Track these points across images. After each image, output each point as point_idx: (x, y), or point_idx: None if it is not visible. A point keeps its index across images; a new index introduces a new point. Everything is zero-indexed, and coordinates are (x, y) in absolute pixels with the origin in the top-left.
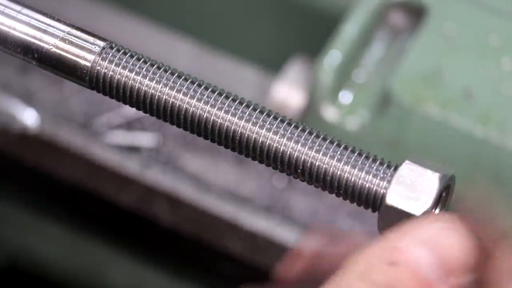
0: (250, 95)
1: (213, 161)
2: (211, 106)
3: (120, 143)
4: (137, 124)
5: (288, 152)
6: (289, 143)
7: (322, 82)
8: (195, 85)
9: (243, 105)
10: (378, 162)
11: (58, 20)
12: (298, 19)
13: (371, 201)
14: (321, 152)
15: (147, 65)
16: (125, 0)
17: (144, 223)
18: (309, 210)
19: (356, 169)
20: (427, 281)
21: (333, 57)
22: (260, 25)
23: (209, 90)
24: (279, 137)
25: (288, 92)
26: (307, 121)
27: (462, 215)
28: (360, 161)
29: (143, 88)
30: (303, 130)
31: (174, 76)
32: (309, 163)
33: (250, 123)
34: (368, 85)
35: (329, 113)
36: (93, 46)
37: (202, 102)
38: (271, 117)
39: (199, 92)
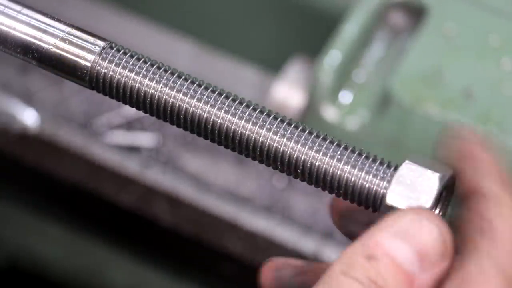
0: (250, 95)
1: (213, 161)
2: (211, 106)
3: (120, 143)
4: (137, 124)
5: (288, 152)
6: (289, 143)
7: (322, 82)
8: (195, 85)
9: (243, 105)
10: (378, 162)
11: (58, 20)
12: (298, 19)
13: (371, 201)
14: (321, 152)
15: (147, 65)
16: (125, 0)
17: (144, 223)
18: (309, 210)
19: (356, 169)
20: (407, 273)
21: (333, 57)
22: (260, 25)
23: (209, 90)
24: (279, 137)
25: (288, 92)
26: (307, 121)
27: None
28: (360, 161)
29: (143, 88)
30: (303, 130)
31: (174, 76)
32: (309, 163)
33: (250, 123)
34: (368, 85)
35: (329, 113)
36: (93, 46)
37: (202, 102)
38: (271, 117)
39: (199, 92)
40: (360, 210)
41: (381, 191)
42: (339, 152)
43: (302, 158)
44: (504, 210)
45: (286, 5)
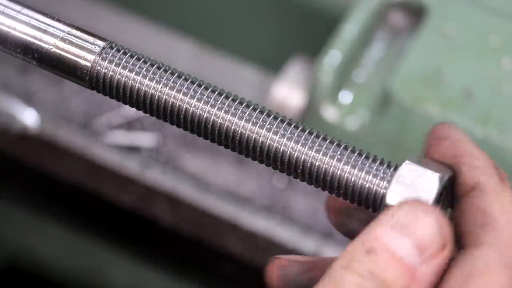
0: (250, 95)
1: (213, 161)
2: (211, 106)
3: (120, 143)
4: (137, 124)
5: (288, 152)
6: (289, 143)
7: (322, 82)
8: (195, 85)
9: (243, 105)
10: (378, 162)
11: (58, 20)
12: (298, 19)
13: (371, 201)
14: (321, 152)
15: (147, 65)
16: (125, 0)
17: (144, 223)
18: (309, 210)
19: (356, 169)
20: (408, 265)
21: (333, 57)
22: (260, 25)
23: (209, 90)
24: (279, 137)
25: (288, 92)
26: (307, 121)
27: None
28: (360, 161)
29: (143, 88)
30: (303, 130)
31: (174, 76)
32: (309, 163)
33: (250, 123)
34: (368, 85)
35: (329, 113)
36: (93, 46)
37: (202, 102)
38: (271, 117)
39: (199, 92)
40: (357, 208)
41: (381, 191)
42: (339, 152)
43: (302, 158)
44: (504, 204)
45: (286, 5)
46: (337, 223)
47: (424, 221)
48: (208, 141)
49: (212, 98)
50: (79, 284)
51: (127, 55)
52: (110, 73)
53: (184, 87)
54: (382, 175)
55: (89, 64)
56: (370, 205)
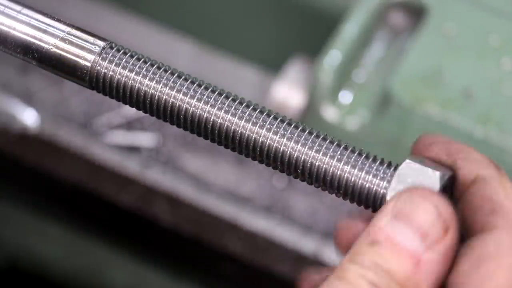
0: (250, 95)
1: (213, 161)
2: (211, 106)
3: (120, 143)
4: (137, 124)
5: (288, 152)
6: (289, 143)
7: (322, 82)
8: (195, 85)
9: (243, 105)
10: (378, 162)
11: (58, 20)
12: (298, 19)
13: (371, 201)
14: (321, 152)
15: (147, 65)
16: (125, 0)
17: (144, 223)
18: (309, 210)
19: (356, 169)
20: (411, 253)
21: (333, 57)
22: (260, 25)
23: (209, 90)
24: (279, 137)
25: (288, 92)
26: (307, 121)
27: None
28: (360, 161)
29: (143, 88)
30: (303, 130)
31: (174, 76)
32: (309, 163)
33: (250, 123)
34: (368, 85)
35: (329, 113)
36: (93, 46)
37: (202, 102)
38: (271, 117)
39: (199, 92)
40: None
41: (381, 191)
42: (339, 152)
43: (302, 158)
44: (508, 191)
45: (286, 5)
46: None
47: (422, 207)
48: (208, 141)
49: (212, 98)
50: (79, 284)
51: (127, 55)
52: (110, 73)
53: (184, 87)
54: (382, 175)
55: (89, 64)
56: (370, 205)
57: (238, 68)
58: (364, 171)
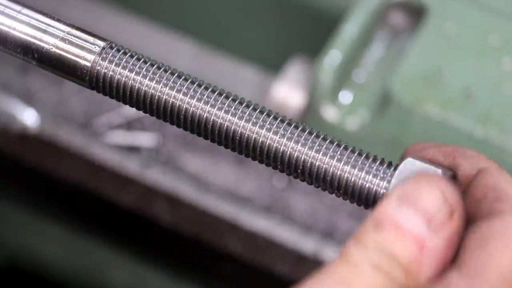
0: (250, 95)
1: (213, 161)
2: (211, 106)
3: (120, 143)
4: (137, 124)
5: (288, 152)
6: (289, 143)
7: (322, 82)
8: (195, 85)
9: (243, 105)
10: (378, 162)
11: (58, 20)
12: (298, 19)
13: (371, 201)
14: (321, 152)
15: (147, 65)
16: (125, 0)
17: (144, 223)
18: (309, 210)
19: (356, 169)
20: (416, 237)
21: (333, 57)
22: (260, 25)
23: (209, 90)
24: (279, 137)
25: (288, 92)
26: (307, 121)
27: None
28: (360, 161)
29: (143, 88)
30: (303, 130)
31: (174, 76)
32: (309, 163)
33: (250, 123)
34: (368, 85)
35: (329, 113)
36: (93, 46)
37: (202, 102)
38: (271, 117)
39: (199, 92)
40: None
41: (381, 191)
42: (339, 152)
43: (302, 158)
44: (510, 181)
45: (286, 5)
46: None
47: (428, 191)
48: (208, 141)
49: (212, 98)
50: (79, 284)
51: (127, 55)
52: (110, 73)
53: (184, 87)
54: (382, 175)
55: (89, 64)
56: (370, 205)
57: (238, 68)
58: (364, 171)
